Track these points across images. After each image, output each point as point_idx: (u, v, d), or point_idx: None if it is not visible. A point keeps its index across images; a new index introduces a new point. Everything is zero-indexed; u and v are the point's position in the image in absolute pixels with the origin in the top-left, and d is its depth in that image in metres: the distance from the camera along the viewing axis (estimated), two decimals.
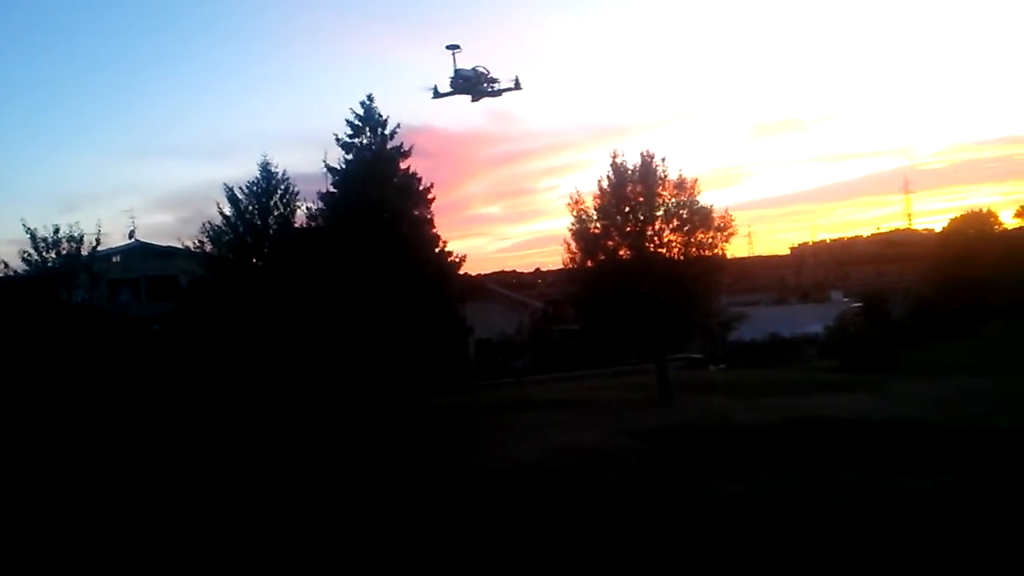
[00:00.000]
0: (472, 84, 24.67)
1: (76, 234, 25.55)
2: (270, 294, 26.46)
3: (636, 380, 34.26)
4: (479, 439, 20.58)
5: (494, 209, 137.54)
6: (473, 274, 42.60)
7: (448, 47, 23.77)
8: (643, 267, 33.03)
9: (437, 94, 24.53)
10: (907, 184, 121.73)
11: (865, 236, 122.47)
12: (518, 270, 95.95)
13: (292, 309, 25.82)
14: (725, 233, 39.58)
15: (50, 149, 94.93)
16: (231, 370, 24.67)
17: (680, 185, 38.54)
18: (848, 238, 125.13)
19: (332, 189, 31.03)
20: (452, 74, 23.23)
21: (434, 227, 32.03)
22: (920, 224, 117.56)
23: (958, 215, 77.88)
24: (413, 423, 24.38)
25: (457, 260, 32.58)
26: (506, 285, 65.43)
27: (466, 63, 26.10)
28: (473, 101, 25.59)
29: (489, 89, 25.09)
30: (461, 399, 30.87)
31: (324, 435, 22.06)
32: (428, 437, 21.31)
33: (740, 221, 45.58)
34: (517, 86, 25.75)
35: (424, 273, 28.72)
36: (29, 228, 25.01)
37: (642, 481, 14.82)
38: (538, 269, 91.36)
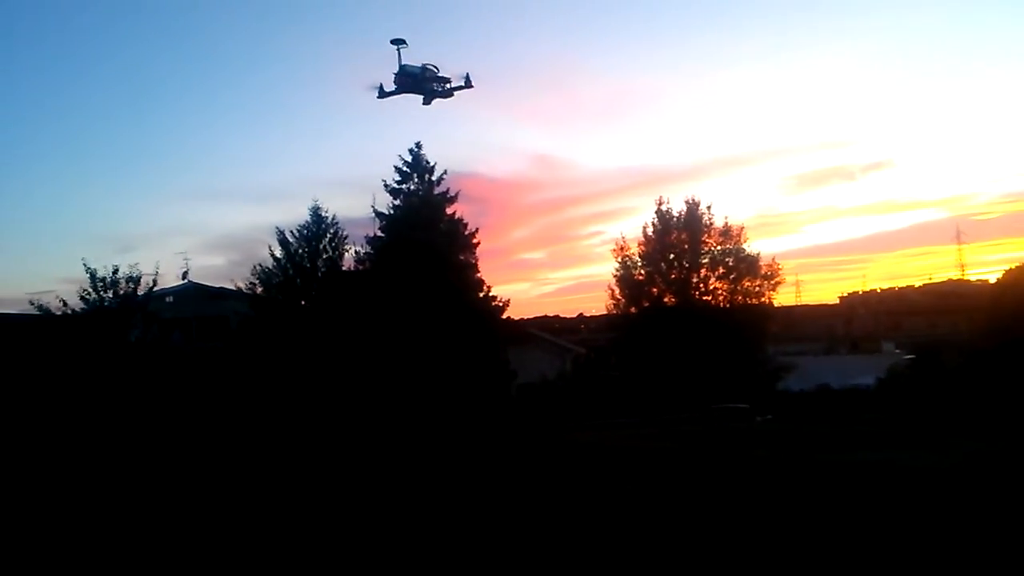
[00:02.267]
0: (419, 81, 22.36)
1: (134, 275, 26.33)
2: (318, 335, 26.82)
3: (678, 429, 33.57)
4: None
5: (538, 254, 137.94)
6: (516, 319, 42.73)
7: (392, 42, 21.26)
8: (688, 314, 32.71)
9: (383, 93, 21.93)
10: (959, 234, 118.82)
11: (917, 286, 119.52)
12: (561, 315, 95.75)
13: (338, 350, 26.11)
14: (772, 281, 39.35)
15: (109, 191, 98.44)
16: (280, 407, 24.93)
17: (726, 232, 38.52)
18: (899, 288, 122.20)
19: (380, 233, 31.62)
20: (397, 71, 21.12)
21: (479, 272, 32.40)
22: (973, 275, 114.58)
23: (1013, 266, 75.69)
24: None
25: (501, 304, 32.77)
26: (549, 330, 65.27)
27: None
28: (425, 103, 23.02)
29: (439, 88, 22.95)
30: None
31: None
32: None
33: (788, 269, 44.91)
34: (468, 84, 22.92)
35: (469, 317, 28.90)
36: (89, 268, 25.88)
37: None
38: (581, 314, 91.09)
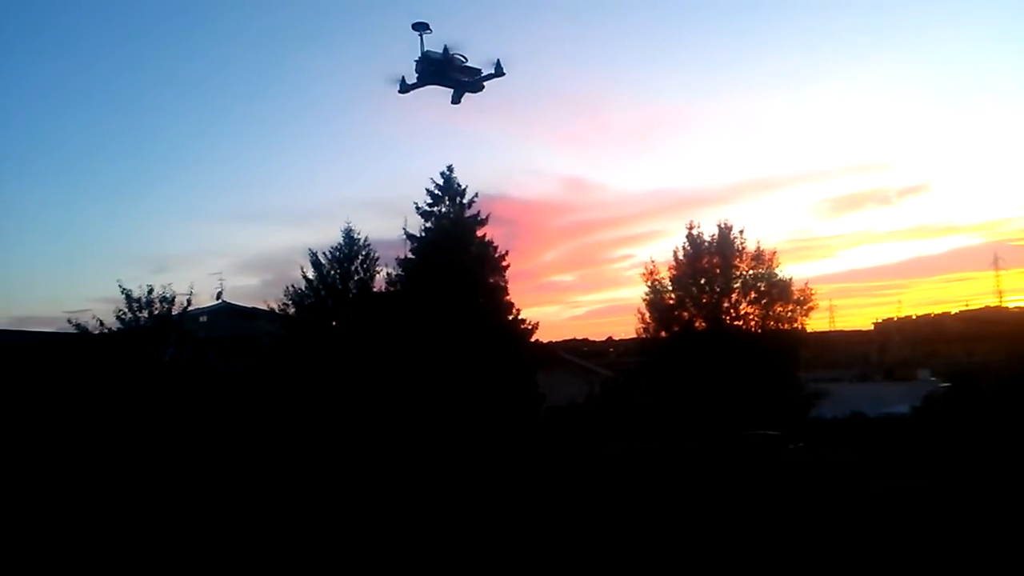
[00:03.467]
0: (443, 69, 19.71)
1: (168, 295, 26.75)
2: (349, 356, 27.01)
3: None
4: None
5: (568, 277, 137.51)
6: (545, 342, 42.60)
7: (414, 27, 18.81)
8: (719, 339, 32.30)
9: (404, 87, 19.32)
10: (997, 260, 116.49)
11: (953, 313, 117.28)
12: (590, 338, 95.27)
13: (369, 371, 26.25)
14: (805, 307, 38.78)
15: (145, 212, 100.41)
16: (310, 427, 25.07)
17: (758, 257, 38.12)
18: (935, 315, 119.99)
19: (411, 255, 31.80)
20: (418, 57, 18.65)
21: (508, 294, 32.41)
22: (1011, 302, 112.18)
23: None
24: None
25: (530, 327, 32.74)
26: (578, 353, 65.01)
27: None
28: (454, 101, 20.50)
29: (467, 79, 20.33)
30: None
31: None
32: None
33: (821, 294, 44.25)
34: (500, 71, 20.03)
35: (498, 340, 28.91)
36: (125, 288, 26.34)
37: None
38: (610, 338, 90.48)
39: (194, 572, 14.59)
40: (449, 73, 19.21)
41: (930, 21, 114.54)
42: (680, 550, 15.87)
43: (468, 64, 19.43)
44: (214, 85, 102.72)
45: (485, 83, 19.71)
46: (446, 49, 19.00)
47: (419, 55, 18.72)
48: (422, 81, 19.40)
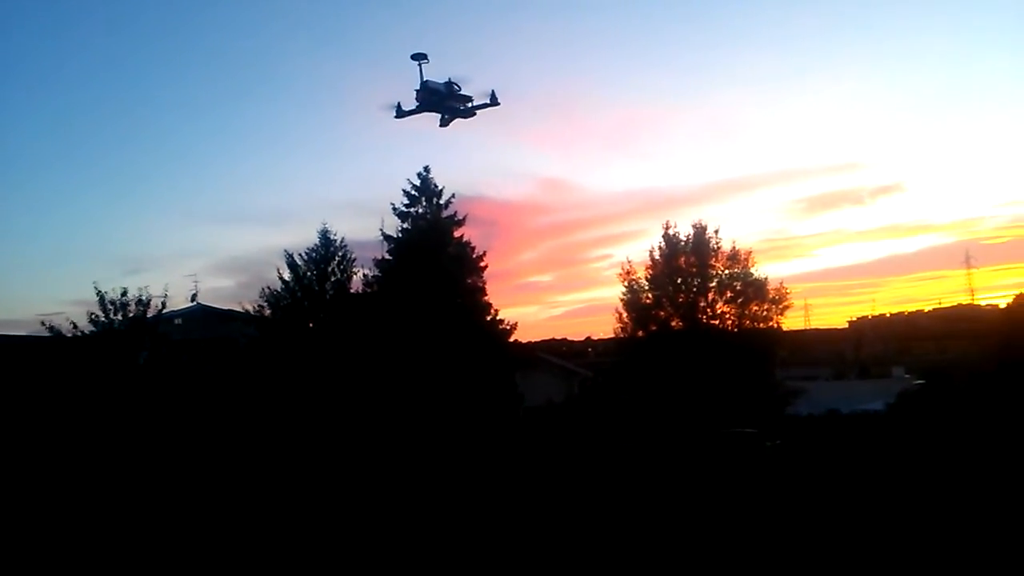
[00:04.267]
0: (442, 99, 20.62)
1: (143, 297, 26.49)
2: (325, 357, 26.90)
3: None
4: None
5: (546, 277, 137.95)
6: (524, 342, 42.64)
7: (413, 57, 19.54)
8: (696, 338, 32.51)
9: (401, 112, 20.15)
10: (969, 259, 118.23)
11: (926, 311, 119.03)
12: (569, 338, 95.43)
13: (346, 372, 26.16)
14: (780, 305, 39.15)
15: (118, 213, 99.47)
16: (286, 427, 24.93)
17: (734, 256, 38.43)
18: (909, 313, 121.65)
19: (388, 256, 31.74)
20: (418, 87, 19.53)
21: (486, 295, 32.45)
22: (983, 300, 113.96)
23: (1023, 291, 75.30)
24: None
25: (508, 328, 32.79)
26: (556, 353, 65.11)
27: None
28: (442, 124, 21.29)
29: (461, 107, 21.14)
30: None
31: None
32: None
33: (797, 293, 44.69)
34: (494, 101, 20.85)
35: (477, 340, 28.94)
36: (100, 290, 26.05)
37: None
38: (589, 338, 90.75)
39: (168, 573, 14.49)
40: (447, 103, 19.88)
41: (904, 22, 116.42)
42: (664, 545, 16.01)
43: (463, 92, 20.03)
44: (190, 86, 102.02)
45: (478, 111, 20.35)
46: (449, 81, 19.72)
47: (419, 84, 19.38)
48: (421, 108, 20.04)
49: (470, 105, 20.50)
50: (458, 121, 23.38)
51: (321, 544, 16.60)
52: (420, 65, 19.53)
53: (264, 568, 14.82)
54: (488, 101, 20.73)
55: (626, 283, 39.10)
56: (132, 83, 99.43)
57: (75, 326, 25.81)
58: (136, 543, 16.75)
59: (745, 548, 15.72)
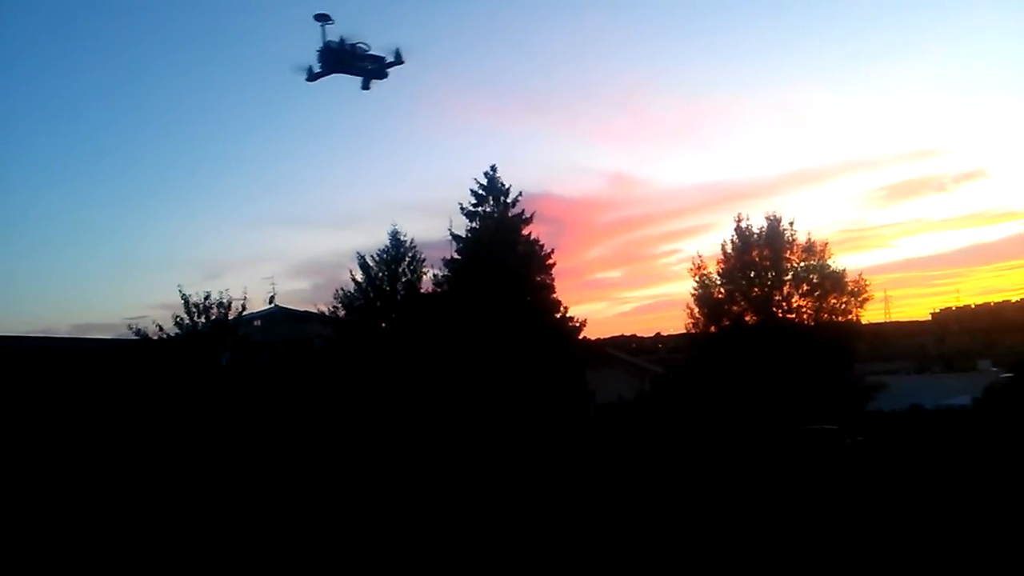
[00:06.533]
0: (344, 58, 20.54)
1: (224, 300, 27.31)
2: (398, 357, 27.26)
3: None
4: None
5: (614, 274, 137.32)
6: (593, 339, 42.39)
7: (316, 17, 19.40)
8: (771, 333, 31.73)
9: (311, 75, 20.46)
10: None
11: (1013, 301, 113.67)
12: (638, 335, 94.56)
13: (419, 372, 26.45)
14: (859, 298, 37.92)
15: (199, 220, 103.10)
16: (362, 427, 25.35)
17: (809, 248, 37.39)
18: (995, 303, 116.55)
19: (457, 256, 31.95)
20: (320, 48, 19.36)
21: (555, 292, 32.34)
22: None
23: None
24: None
25: (578, 325, 32.63)
26: (626, 350, 64.59)
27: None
28: (364, 88, 21.14)
29: (370, 67, 21.05)
30: None
31: None
32: None
33: (876, 285, 43.10)
34: (399, 59, 20.61)
35: (547, 338, 28.90)
36: (184, 294, 26.98)
37: None
38: (658, 334, 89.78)
39: (253, 571, 14.92)
40: (352, 62, 19.99)
41: (982, 4, 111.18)
42: (742, 543, 15.71)
43: (370, 52, 20.16)
44: (263, 92, 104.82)
45: (388, 70, 20.57)
46: (342, 40, 19.92)
47: (320, 45, 19.70)
48: (327, 70, 20.18)
49: (379, 65, 20.66)
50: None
51: (399, 538, 16.84)
52: (323, 26, 19.82)
53: (351, 558, 15.15)
54: (394, 60, 20.95)
55: (697, 278, 38.52)
56: (213, 93, 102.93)
57: (161, 329, 26.77)
58: (223, 539, 17.27)
59: (826, 546, 15.29)
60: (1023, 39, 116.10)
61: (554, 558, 15.17)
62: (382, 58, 20.82)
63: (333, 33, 19.92)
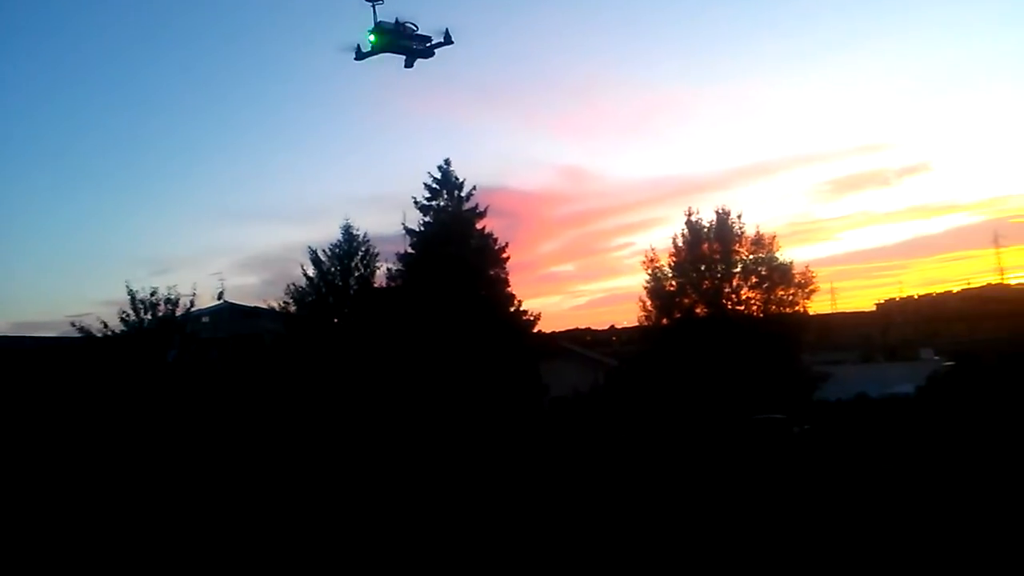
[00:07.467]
0: (396, 38, 21.12)
1: (172, 296, 26.85)
2: (350, 352, 27.09)
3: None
4: None
5: (568, 267, 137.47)
6: (548, 332, 42.58)
7: None
8: (721, 325, 32.29)
9: (360, 54, 20.86)
10: (998, 238, 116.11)
11: (955, 292, 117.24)
12: (592, 328, 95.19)
13: (372, 366, 26.32)
14: (806, 290, 38.78)
15: (144, 213, 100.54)
16: (312, 421, 25.14)
17: (758, 241, 38.12)
18: (937, 294, 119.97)
19: (410, 250, 31.85)
20: (372, 27, 19.93)
21: (509, 286, 32.48)
22: (1013, 279, 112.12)
23: None
24: None
25: (532, 318, 32.82)
26: (580, 343, 64.97)
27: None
28: (407, 66, 21.89)
29: (418, 47, 21.65)
30: None
31: None
32: None
33: (822, 277, 44.26)
34: (448, 39, 21.76)
35: (501, 332, 28.99)
36: (131, 290, 26.45)
37: None
38: (612, 327, 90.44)
39: (198, 571, 14.67)
40: (401, 42, 20.31)
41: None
42: (690, 531, 15.96)
43: (419, 32, 20.53)
44: (209, 83, 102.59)
45: (436, 50, 20.97)
46: (397, 20, 20.20)
47: (373, 25, 19.93)
48: (376, 50, 20.44)
49: (428, 45, 21.08)
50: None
51: (344, 535, 16.74)
52: (374, 6, 20.08)
53: (293, 559, 14.99)
54: (443, 40, 21.42)
55: (649, 271, 38.95)
56: (155, 83, 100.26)
57: (106, 326, 26.23)
58: (165, 539, 16.99)
59: (771, 533, 15.63)
60: (968, 35, 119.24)
61: (505, 546, 15.24)
62: (429, 38, 21.16)
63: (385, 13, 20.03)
